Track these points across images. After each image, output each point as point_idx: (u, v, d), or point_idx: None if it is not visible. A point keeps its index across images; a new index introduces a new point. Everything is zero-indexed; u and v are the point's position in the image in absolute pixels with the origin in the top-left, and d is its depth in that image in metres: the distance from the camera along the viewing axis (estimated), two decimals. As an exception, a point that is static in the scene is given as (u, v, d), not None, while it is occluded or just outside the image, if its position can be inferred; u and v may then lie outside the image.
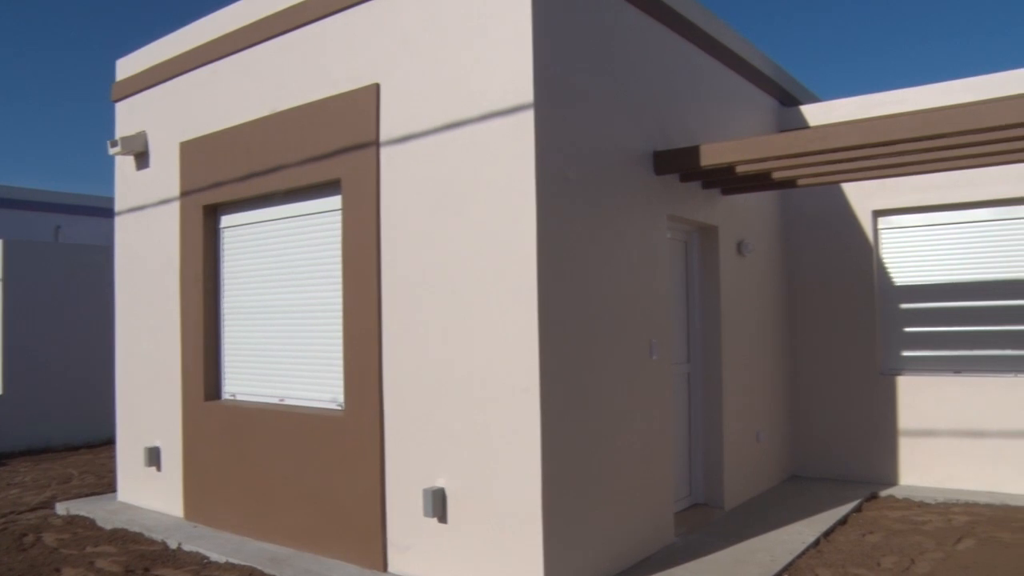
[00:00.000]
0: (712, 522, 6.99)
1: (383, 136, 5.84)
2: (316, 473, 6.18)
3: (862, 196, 8.71)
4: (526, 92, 5.08)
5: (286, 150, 6.46)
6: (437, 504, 5.41)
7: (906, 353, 8.63)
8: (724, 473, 7.45)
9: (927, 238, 8.55)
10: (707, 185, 7.22)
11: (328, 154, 6.15)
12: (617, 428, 5.80)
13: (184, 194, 7.44)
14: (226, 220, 7.24)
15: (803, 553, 6.10)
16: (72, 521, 7.60)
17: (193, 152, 7.36)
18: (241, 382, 7.11)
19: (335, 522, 6.05)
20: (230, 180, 6.97)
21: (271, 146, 6.58)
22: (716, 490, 7.47)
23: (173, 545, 6.64)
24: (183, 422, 7.39)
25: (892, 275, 8.72)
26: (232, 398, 7.17)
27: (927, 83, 8.18)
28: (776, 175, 6.90)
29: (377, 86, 5.87)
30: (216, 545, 6.53)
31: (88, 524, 7.46)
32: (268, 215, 6.85)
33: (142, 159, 8.02)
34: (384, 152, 5.83)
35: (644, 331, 6.19)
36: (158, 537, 6.84)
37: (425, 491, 5.43)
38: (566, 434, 5.23)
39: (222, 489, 6.98)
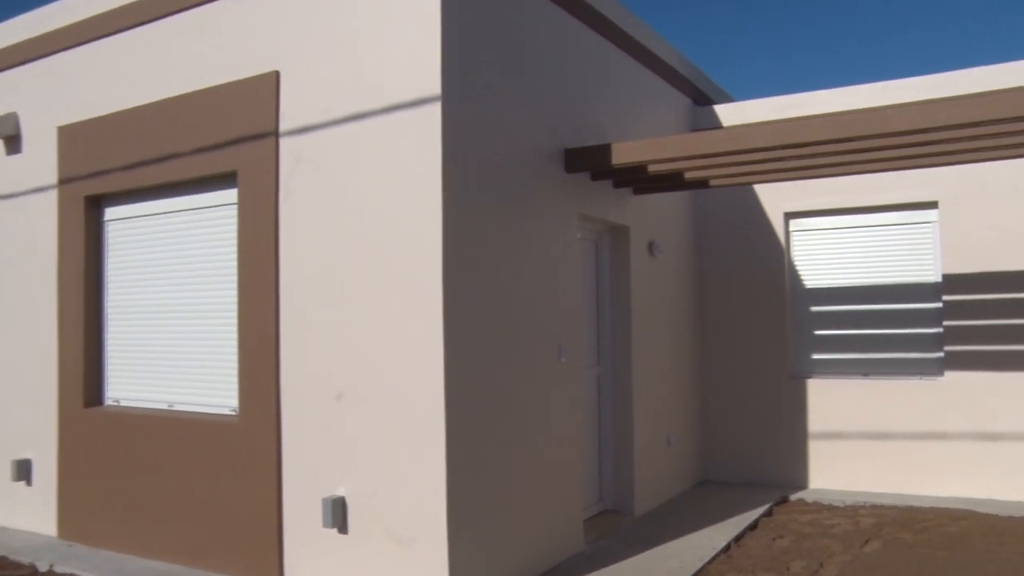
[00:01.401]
0: (622, 528, 7.22)
1: (283, 127, 5.84)
2: (208, 484, 6.14)
3: (774, 198, 9.12)
4: (433, 84, 5.17)
5: (178, 139, 6.39)
6: (337, 514, 5.45)
7: (816, 356, 9.09)
8: (635, 478, 7.69)
9: (838, 241, 9.02)
10: (618, 184, 7.45)
11: (223, 144, 6.12)
12: (525, 433, 5.94)
13: (63, 183, 7.26)
14: (111, 212, 7.10)
15: (713, 559, 6.37)
16: (-69, 541, 7.31)
17: (73, 137, 7.19)
18: (126, 387, 6.99)
19: (228, 535, 6.02)
20: (115, 169, 6.84)
21: (162, 134, 6.50)
22: (626, 496, 7.71)
23: (43, 567, 6.43)
24: (59, 431, 7.20)
25: (803, 278, 9.16)
26: (116, 404, 7.04)
27: (840, 86, 8.66)
28: (688, 175, 7.17)
29: (277, 74, 5.88)
30: (94, 565, 6.38)
31: (-51, 544, 7.19)
32: (158, 208, 6.75)
33: (13, 143, 7.77)
34: (284, 143, 5.84)
35: (553, 333, 6.35)
36: (26, 560, 6.59)
37: (325, 500, 5.46)
38: (472, 439, 5.34)
39: (103, 503, 6.84)
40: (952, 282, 8.31)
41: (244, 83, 6.02)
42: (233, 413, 6.19)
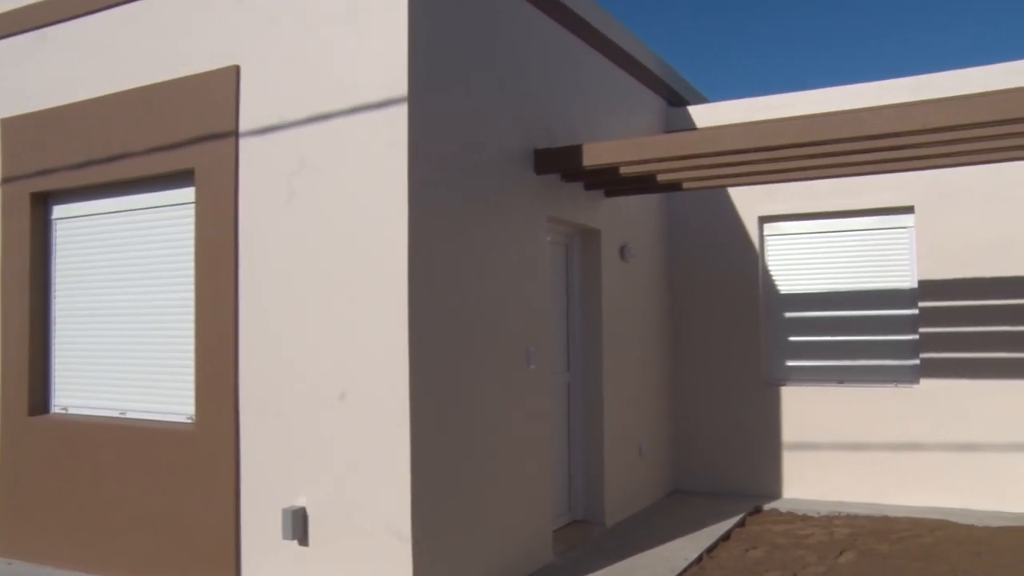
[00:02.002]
0: (592, 539, 7.26)
1: (243, 125, 5.82)
2: (162, 495, 6.09)
3: (749, 201, 9.22)
4: (400, 84, 5.19)
5: (132, 135, 6.34)
6: (298, 525, 5.43)
7: (791, 363, 9.20)
8: (605, 488, 7.74)
9: (813, 245, 9.14)
10: (590, 186, 7.50)
11: (181, 142, 6.07)
12: (493, 441, 5.96)
13: (7, 180, 7.15)
14: (59, 211, 7.02)
15: (685, 570, 6.42)
16: None
17: (18, 131, 7.09)
18: (75, 394, 6.90)
19: (183, 549, 5.97)
20: (64, 166, 6.76)
21: (115, 129, 6.44)
22: (597, 506, 7.75)
23: (-20, 586, 6.37)
24: (1, 441, 7.09)
25: (777, 283, 9.28)
26: (63, 412, 6.94)
27: (818, 87, 8.80)
28: (661, 177, 7.23)
29: (237, 68, 5.85)
30: (37, 582, 6.31)
31: None
32: (110, 207, 6.69)
33: (-45, 138, 7.65)
34: (244, 142, 5.81)
35: (522, 338, 6.38)
36: (-38, 578, 6.52)
37: (285, 511, 5.44)
38: (437, 448, 5.35)
39: (48, 517, 6.74)
40: (928, 288, 8.46)
41: (202, 78, 5.98)
42: (189, 421, 6.14)
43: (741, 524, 7.88)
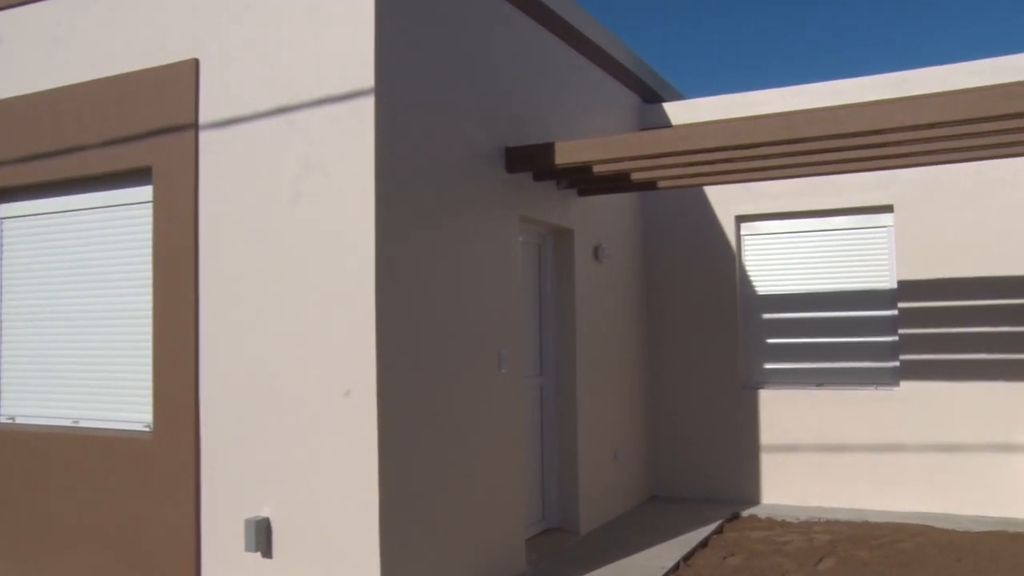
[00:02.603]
0: (566, 548, 7.27)
1: (203, 119, 5.77)
2: (117, 508, 6.01)
3: (725, 200, 9.28)
4: (367, 76, 5.17)
5: (84, 130, 6.26)
6: (261, 536, 5.38)
7: (769, 365, 9.27)
8: (579, 495, 7.75)
9: (791, 245, 9.22)
10: (563, 185, 7.52)
11: (136, 137, 6.01)
12: (463, 448, 5.95)
13: (-46, 178, 7.05)
14: (5, 209, 6.91)
15: (661, 579, 6.47)
16: None
17: (-35, 128, 6.98)
18: (23, 402, 6.80)
19: (139, 564, 5.89)
20: (9, 162, 6.65)
21: (65, 124, 6.35)
22: (571, 513, 7.76)
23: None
24: (-50, 450, 6.99)
25: (755, 284, 9.34)
26: (10, 421, 6.84)
27: (797, 83, 8.87)
28: (635, 176, 7.26)
29: (196, 61, 5.80)
30: (-14, 598, 6.21)
31: None
32: (60, 205, 6.60)
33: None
34: (204, 137, 5.76)
35: (493, 341, 6.38)
36: None
37: (247, 522, 5.39)
38: (406, 455, 5.33)
39: (-1, 529, 6.65)
40: (908, 289, 8.55)
41: (159, 71, 5.92)
42: (146, 429, 6.07)
43: (719, 531, 7.92)
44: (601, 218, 8.43)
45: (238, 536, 5.51)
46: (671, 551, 7.12)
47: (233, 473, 5.59)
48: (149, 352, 6.01)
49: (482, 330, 6.24)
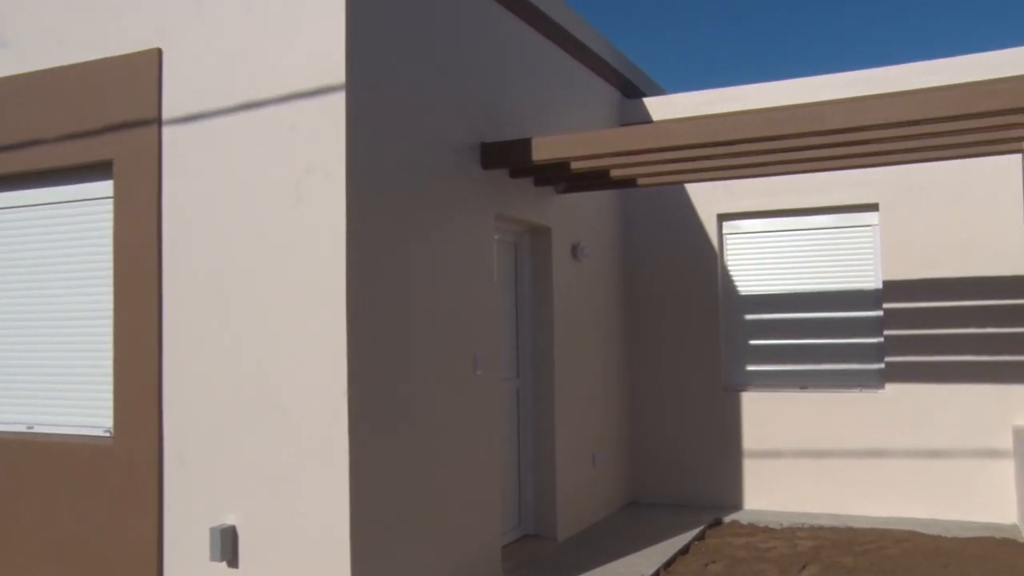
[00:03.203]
0: (543, 555, 7.26)
1: (166, 113, 5.72)
2: (75, 516, 5.94)
3: (707, 198, 9.30)
4: (337, 71, 5.15)
5: (39, 121, 6.18)
6: (227, 545, 5.34)
7: (751, 367, 9.30)
8: (557, 500, 7.74)
9: (773, 245, 9.25)
10: (540, 182, 7.50)
11: (96, 130, 5.95)
12: (438, 452, 5.93)
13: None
14: (-41, 206, 6.84)
15: (640, 586, 6.48)
16: None
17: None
18: (-21, 406, 6.72)
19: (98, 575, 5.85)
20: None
21: (18, 115, 6.27)
22: (548, 519, 7.75)
23: None
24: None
25: (737, 284, 9.37)
26: (-34, 426, 6.76)
27: (776, 79, 8.88)
28: (615, 173, 7.27)
29: (159, 52, 5.75)
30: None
31: None
32: (13, 200, 6.51)
33: None
34: (168, 131, 5.72)
35: (468, 342, 6.36)
36: None
37: (212, 530, 5.35)
38: (379, 460, 5.31)
39: (-47, 538, 6.56)
40: (893, 289, 8.60)
41: (121, 60, 5.86)
42: (107, 434, 6.01)
43: (700, 537, 7.93)
44: (580, 216, 8.43)
45: (203, 545, 5.47)
46: (651, 558, 7.13)
47: (198, 480, 5.55)
48: (110, 353, 5.95)
49: (457, 331, 6.22)
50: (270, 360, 5.32)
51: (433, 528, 5.84)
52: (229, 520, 5.42)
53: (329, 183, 5.16)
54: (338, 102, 5.15)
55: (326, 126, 5.18)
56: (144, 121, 5.77)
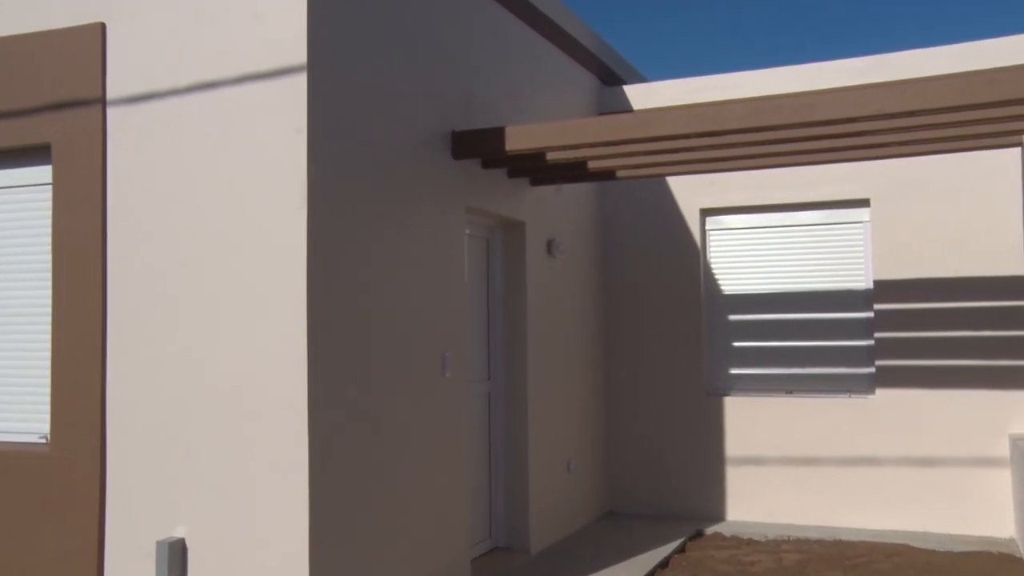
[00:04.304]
0: (515, 569, 7.23)
1: (111, 93, 5.63)
2: (6, 531, 5.80)
3: (690, 192, 9.27)
4: (298, 51, 5.09)
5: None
6: (175, 560, 5.26)
7: (735, 371, 9.28)
8: (530, 511, 7.71)
9: (759, 242, 9.24)
10: (514, 174, 7.48)
11: (32, 110, 5.83)
12: (403, 460, 5.88)
13: None
14: None
15: (617, 603, 6.44)
16: None
17: None
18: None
19: (35, 591, 5.73)
20: None
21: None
22: (521, 531, 7.71)
23: None
24: None
25: (721, 282, 9.34)
26: None
27: (763, 67, 8.85)
28: (592, 165, 7.23)
29: (102, 26, 5.64)
30: None
31: None
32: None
33: None
34: (112, 113, 5.62)
35: (436, 343, 6.32)
36: None
37: (160, 544, 5.27)
38: (339, 468, 5.25)
39: None
40: (884, 289, 8.60)
41: (59, 35, 5.74)
42: (43, 441, 5.90)
43: (681, 550, 7.92)
44: (555, 210, 8.40)
45: (148, 560, 5.38)
46: (629, 572, 7.11)
47: (144, 490, 5.46)
48: (47, 354, 5.84)
49: (424, 331, 6.17)
50: (224, 361, 5.25)
51: (397, 541, 5.79)
52: (178, 532, 5.35)
53: (288, 171, 5.09)
54: (299, 84, 5.10)
55: (285, 110, 5.12)
56: (86, 101, 5.66)
